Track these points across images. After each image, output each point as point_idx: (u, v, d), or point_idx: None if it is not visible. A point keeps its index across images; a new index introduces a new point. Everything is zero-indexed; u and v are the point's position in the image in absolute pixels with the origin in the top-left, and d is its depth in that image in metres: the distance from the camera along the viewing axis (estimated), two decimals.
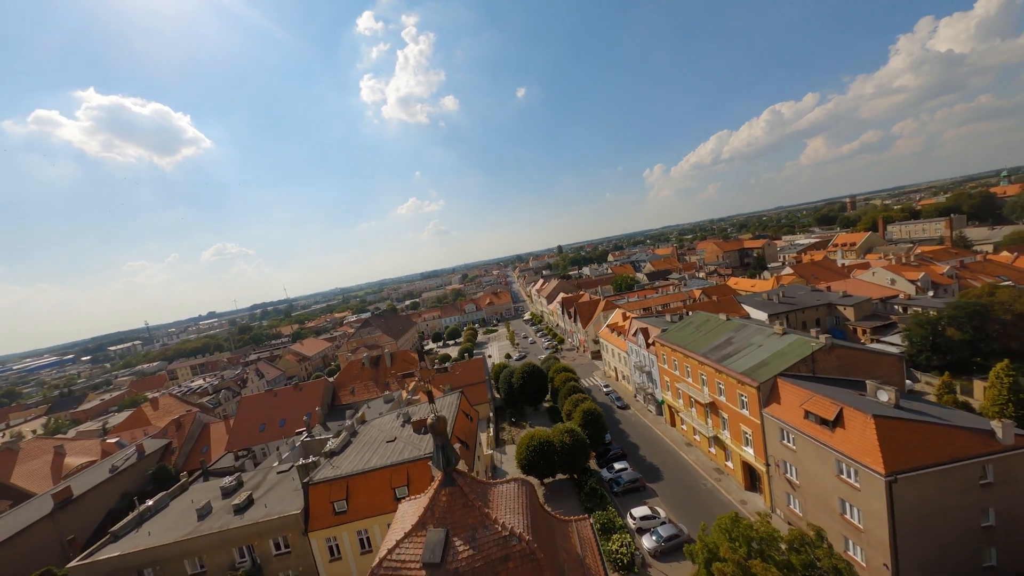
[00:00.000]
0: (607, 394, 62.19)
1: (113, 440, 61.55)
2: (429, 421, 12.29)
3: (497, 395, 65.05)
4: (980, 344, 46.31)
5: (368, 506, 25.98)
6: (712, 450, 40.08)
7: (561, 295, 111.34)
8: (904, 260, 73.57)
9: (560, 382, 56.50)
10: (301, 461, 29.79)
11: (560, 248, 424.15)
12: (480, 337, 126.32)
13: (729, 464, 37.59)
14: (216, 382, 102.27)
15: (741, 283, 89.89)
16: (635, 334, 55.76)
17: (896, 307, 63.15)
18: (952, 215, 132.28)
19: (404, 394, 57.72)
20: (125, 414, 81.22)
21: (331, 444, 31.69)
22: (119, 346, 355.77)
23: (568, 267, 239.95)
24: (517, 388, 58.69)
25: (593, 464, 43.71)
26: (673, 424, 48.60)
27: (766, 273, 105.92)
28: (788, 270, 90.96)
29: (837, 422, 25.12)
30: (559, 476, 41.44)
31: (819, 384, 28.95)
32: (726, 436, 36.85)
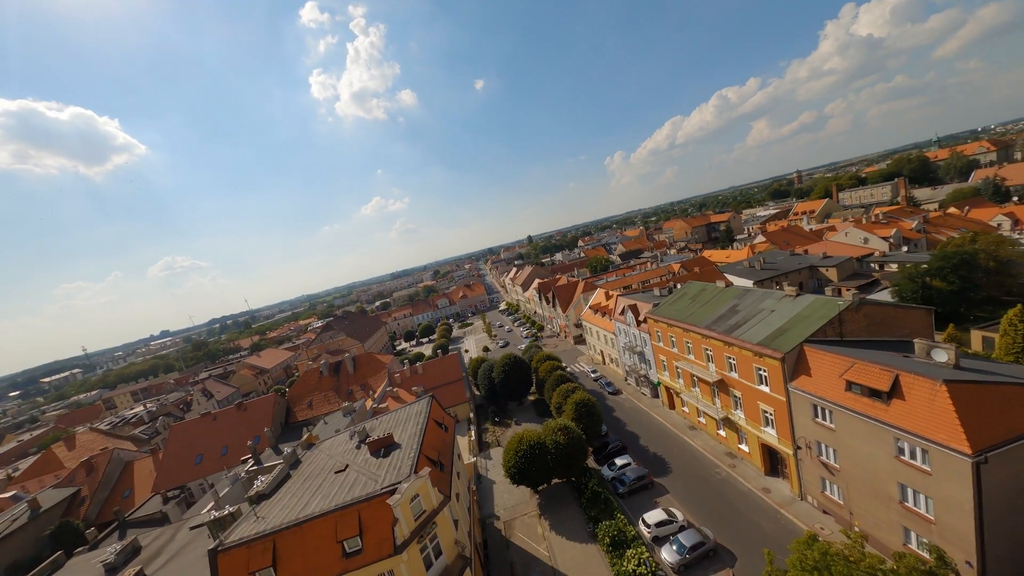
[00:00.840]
0: (596, 379, 56.86)
1: (8, 495, 49.50)
2: None
3: (477, 392, 58.19)
4: (969, 294, 44.39)
5: (306, 572, 18.44)
6: (722, 432, 35.29)
7: (537, 281, 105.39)
8: (873, 219, 73.08)
9: (545, 372, 50.38)
10: (214, 515, 21.60)
11: (530, 238, 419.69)
12: (455, 332, 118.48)
13: (743, 447, 32.85)
14: (156, 408, 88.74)
15: (715, 255, 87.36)
16: (622, 312, 50.39)
17: (872, 264, 61.68)
18: (896, 179, 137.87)
19: (369, 403, 49.61)
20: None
21: (259, 485, 23.59)
22: (53, 377, 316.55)
23: (540, 255, 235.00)
24: (499, 383, 52.06)
25: (591, 462, 37.99)
26: (672, 407, 43.76)
27: (736, 244, 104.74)
28: (761, 238, 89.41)
29: (893, 393, 20.20)
30: (555, 481, 35.31)
31: (855, 349, 24.15)
32: (739, 417, 31.97)
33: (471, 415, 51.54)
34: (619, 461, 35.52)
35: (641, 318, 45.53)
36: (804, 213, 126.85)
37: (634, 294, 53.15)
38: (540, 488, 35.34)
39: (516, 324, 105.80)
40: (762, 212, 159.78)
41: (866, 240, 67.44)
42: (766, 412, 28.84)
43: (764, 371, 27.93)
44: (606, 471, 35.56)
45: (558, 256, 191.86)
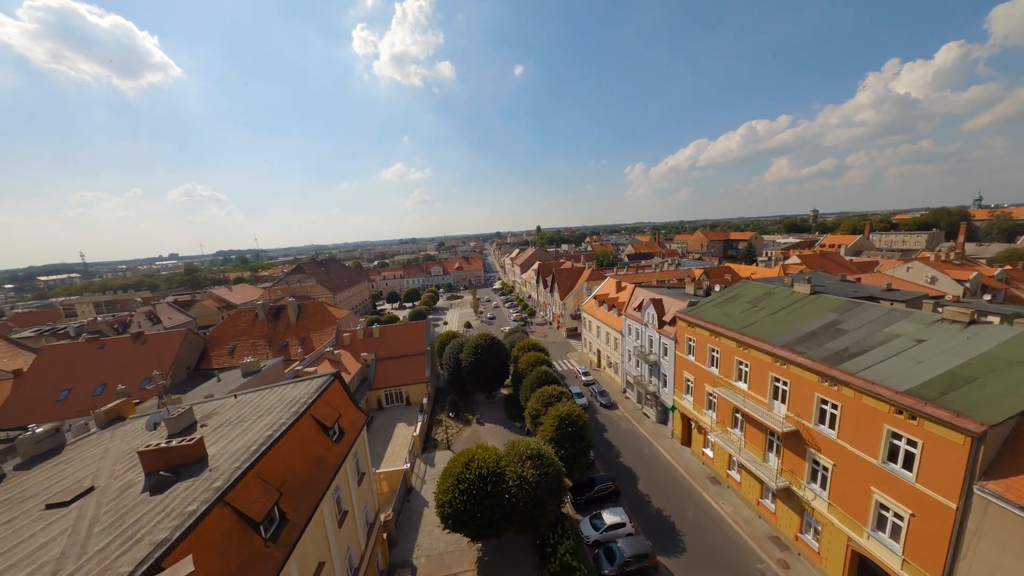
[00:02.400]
0: (586, 384, 43.95)
1: None
2: None
3: (442, 372, 45.35)
4: None
5: None
6: (769, 505, 22.44)
7: (537, 263, 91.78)
8: (945, 257, 59.32)
9: (526, 365, 37.35)
10: None
11: (539, 228, 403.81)
12: (442, 302, 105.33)
13: (809, 541, 19.99)
14: (111, 319, 76.06)
15: (742, 269, 73.58)
16: (639, 308, 37.05)
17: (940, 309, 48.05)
18: (934, 229, 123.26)
19: (297, 364, 36.66)
20: None
21: None
22: (51, 277, 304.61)
23: (546, 245, 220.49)
24: (466, 368, 39.08)
25: (568, 505, 25.28)
26: (687, 443, 30.90)
27: (761, 264, 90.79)
28: (795, 259, 75.54)
29: None
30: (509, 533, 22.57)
31: None
32: (818, 497, 19.02)
33: (425, 401, 38.71)
34: (608, 517, 22.77)
35: (667, 318, 32.22)
36: (830, 247, 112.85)
37: (657, 288, 39.68)
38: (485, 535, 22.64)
39: (507, 305, 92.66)
40: (782, 239, 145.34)
41: (933, 280, 53.76)
42: (891, 513, 15.80)
43: (915, 444, 14.73)
44: (587, 527, 22.85)
45: (564, 247, 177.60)
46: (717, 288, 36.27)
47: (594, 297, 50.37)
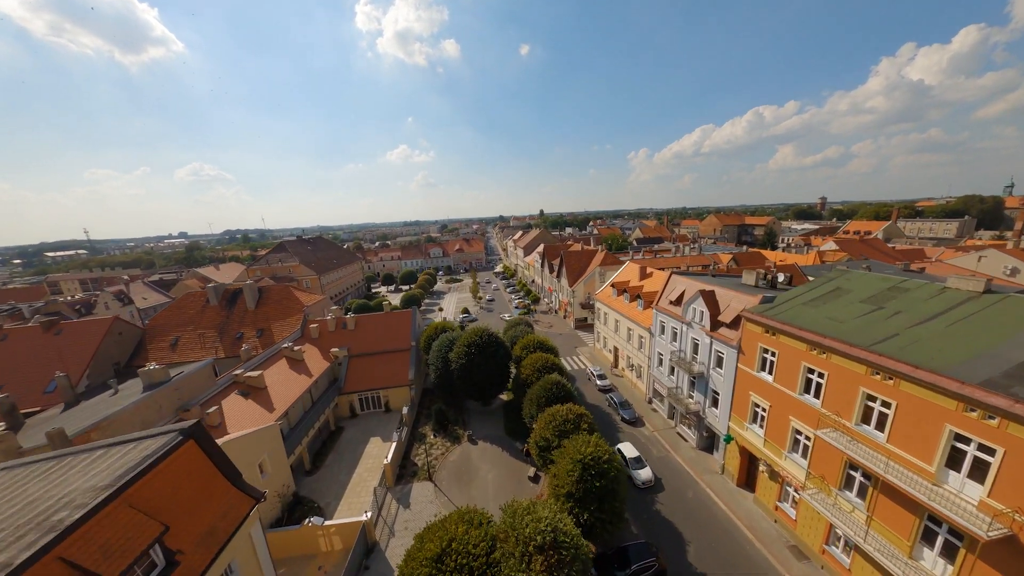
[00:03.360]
0: (603, 390, 35.34)
1: None
2: None
3: (428, 374, 36.80)
4: None
5: None
6: None
7: (542, 246, 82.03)
8: (1014, 246, 49.47)
9: (531, 370, 28.60)
10: None
11: (542, 212, 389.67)
12: (440, 285, 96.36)
13: None
14: (82, 300, 67.80)
15: (770, 255, 63.67)
16: (678, 301, 27.78)
17: None
18: (965, 217, 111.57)
19: (240, 368, 28.01)
20: None
21: None
22: (59, 253, 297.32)
23: (550, 229, 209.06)
24: (457, 371, 30.36)
25: None
26: (749, 486, 22.33)
27: (788, 250, 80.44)
28: (831, 245, 65.55)
29: None
30: None
31: None
32: None
33: (405, 411, 30.24)
34: None
35: (726, 317, 22.97)
36: (859, 233, 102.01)
37: (699, 276, 30.21)
38: None
39: (508, 290, 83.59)
40: (798, 225, 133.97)
41: (1014, 271, 43.98)
42: None
43: None
44: None
45: (568, 231, 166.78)
46: (781, 277, 26.88)
47: (611, 285, 41.04)
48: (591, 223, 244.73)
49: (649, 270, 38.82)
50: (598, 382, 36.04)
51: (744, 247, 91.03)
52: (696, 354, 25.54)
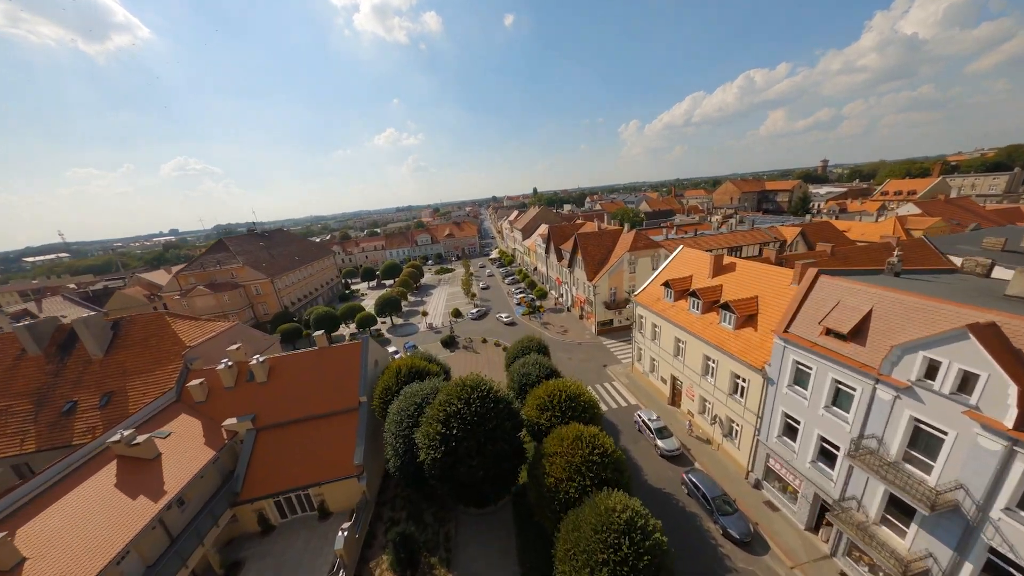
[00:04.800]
0: (666, 455, 21.59)
1: None
2: None
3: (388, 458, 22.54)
4: None
5: None
6: None
7: (544, 226, 66.61)
8: None
9: (565, 452, 14.45)
10: None
11: (535, 190, 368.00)
12: (428, 278, 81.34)
13: None
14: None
15: (840, 225, 48.60)
16: (856, 335, 13.27)
17: None
18: (1016, 169, 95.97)
19: (21, 490, 13.00)
20: None
21: None
22: (38, 258, 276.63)
23: (545, 207, 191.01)
24: (431, 464, 16.24)
25: None
26: None
27: (859, 218, 65.16)
28: (912, 208, 50.83)
29: None
30: None
31: None
32: None
33: (352, 522, 16.36)
34: None
35: None
36: (895, 194, 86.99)
37: (865, 276, 15.60)
38: None
39: (507, 280, 68.88)
40: (823, 189, 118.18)
41: None
42: None
43: None
44: None
45: (567, 208, 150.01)
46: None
47: (668, 284, 26.24)
48: (588, 198, 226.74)
49: (727, 260, 24.15)
50: (659, 442, 22.12)
51: (747, 220, 75.77)
52: (937, 461, 11.36)
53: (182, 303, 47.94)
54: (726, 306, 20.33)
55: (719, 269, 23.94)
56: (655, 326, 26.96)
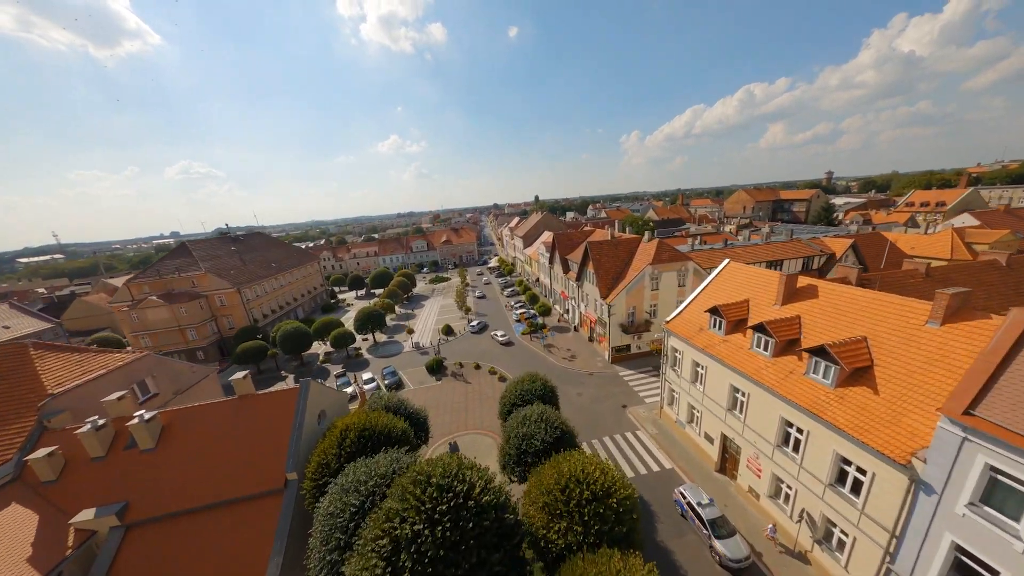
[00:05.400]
0: (728, 564, 14.72)
1: None
2: None
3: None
4: None
5: None
6: None
7: (547, 234, 60.48)
8: None
9: None
10: None
11: (537, 197, 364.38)
12: (422, 287, 74.90)
13: None
14: None
15: (891, 237, 42.18)
16: None
17: None
18: None
19: None
20: None
21: None
22: (32, 259, 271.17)
23: (551, 214, 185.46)
24: None
25: None
26: None
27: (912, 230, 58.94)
28: (968, 219, 44.62)
29: None
30: None
31: None
32: None
33: None
34: None
35: None
36: (922, 205, 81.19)
37: None
38: None
39: (506, 292, 62.32)
40: (841, 200, 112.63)
41: None
42: None
43: None
44: None
45: (570, 215, 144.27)
46: None
47: (715, 312, 19.72)
48: (591, 207, 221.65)
49: (802, 281, 17.67)
50: (716, 543, 15.29)
51: (760, 229, 69.57)
52: None
53: (132, 315, 41.39)
54: (819, 351, 13.79)
55: (792, 294, 17.45)
56: (698, 365, 20.34)
